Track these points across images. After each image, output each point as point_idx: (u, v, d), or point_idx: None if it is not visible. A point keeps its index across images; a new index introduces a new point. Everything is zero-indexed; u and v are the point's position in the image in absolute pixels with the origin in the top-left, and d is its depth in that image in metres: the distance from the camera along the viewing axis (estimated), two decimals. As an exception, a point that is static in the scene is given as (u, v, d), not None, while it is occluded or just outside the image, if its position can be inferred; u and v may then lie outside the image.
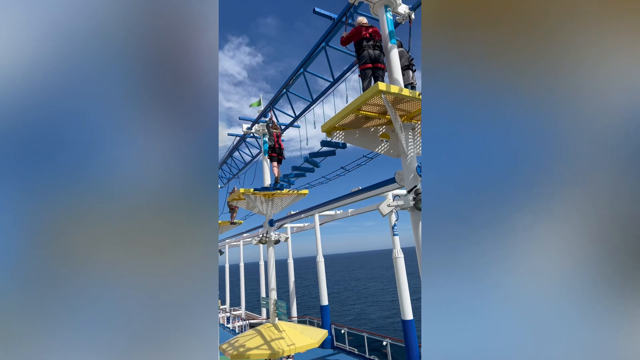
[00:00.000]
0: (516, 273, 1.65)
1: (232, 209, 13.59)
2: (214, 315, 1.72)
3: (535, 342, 1.59)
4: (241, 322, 19.82)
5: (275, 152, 8.07)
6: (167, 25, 1.68)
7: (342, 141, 4.37)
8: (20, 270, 1.46)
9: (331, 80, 7.03)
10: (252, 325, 17.53)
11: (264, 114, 9.03)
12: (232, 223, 13.94)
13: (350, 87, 6.51)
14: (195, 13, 1.73)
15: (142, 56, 1.65)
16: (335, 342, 12.84)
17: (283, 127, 9.40)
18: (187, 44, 1.71)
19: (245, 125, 9.46)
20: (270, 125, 8.20)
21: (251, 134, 9.51)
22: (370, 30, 4.18)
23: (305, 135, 8.48)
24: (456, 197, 1.75)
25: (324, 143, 4.89)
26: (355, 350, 11.92)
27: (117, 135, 1.61)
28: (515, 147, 1.70)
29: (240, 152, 12.36)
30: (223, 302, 23.82)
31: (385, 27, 4.12)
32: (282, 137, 8.74)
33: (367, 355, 11.24)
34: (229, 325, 20.07)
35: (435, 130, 1.82)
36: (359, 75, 4.24)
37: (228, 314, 22.05)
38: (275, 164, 8.07)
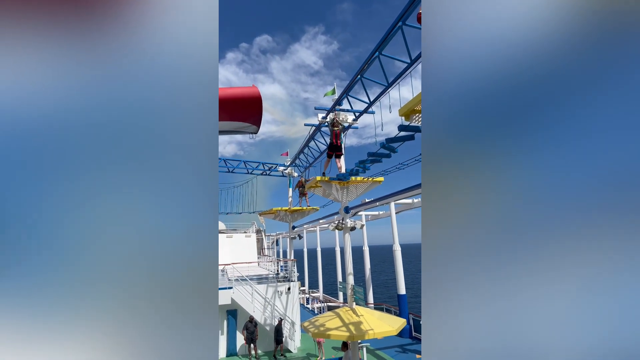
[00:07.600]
0: (517, 273, 1.65)
1: (303, 195, 14.23)
2: (214, 315, 1.75)
3: (535, 342, 1.59)
4: (319, 304, 20.83)
5: (333, 150, 8.45)
6: (167, 28, 1.76)
7: (421, 124, 4.15)
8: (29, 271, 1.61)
9: (408, 61, 6.67)
10: (329, 308, 18.28)
11: (338, 102, 9.10)
12: (307, 206, 14.57)
13: (430, 67, 6.10)
14: (196, 18, 1.79)
15: (142, 54, 1.73)
16: (413, 332, 12.58)
17: (357, 114, 9.39)
18: (186, 47, 1.77)
19: (320, 115, 9.67)
20: (333, 123, 8.57)
21: (326, 123, 9.68)
22: (453, 1, 3.82)
23: (380, 121, 8.29)
24: (457, 195, 1.77)
25: (401, 127, 4.72)
26: (435, 342, 11.50)
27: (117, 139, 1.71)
28: (517, 146, 1.70)
29: (316, 141, 12.73)
30: (302, 284, 25.32)
31: None
32: (351, 127, 8.86)
33: (448, 349, 10.75)
34: (308, 306, 21.31)
35: (436, 124, 1.84)
36: None
37: (307, 295, 23.38)
38: (337, 160, 8.48)
